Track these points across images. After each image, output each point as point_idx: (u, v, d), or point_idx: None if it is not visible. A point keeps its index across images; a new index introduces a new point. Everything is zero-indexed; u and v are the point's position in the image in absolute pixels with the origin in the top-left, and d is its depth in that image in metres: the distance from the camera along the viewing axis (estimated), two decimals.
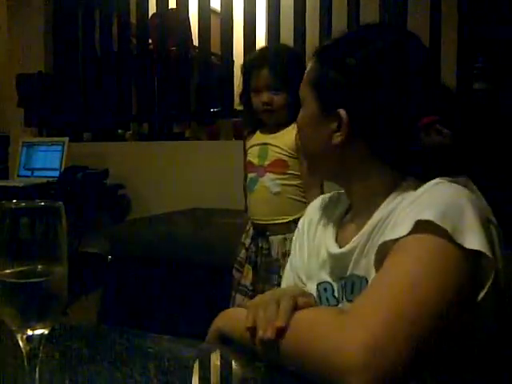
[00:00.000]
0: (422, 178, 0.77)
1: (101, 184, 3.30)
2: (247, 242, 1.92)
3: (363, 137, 0.82)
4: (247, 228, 1.94)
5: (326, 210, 0.96)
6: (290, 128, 1.82)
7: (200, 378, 0.75)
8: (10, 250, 0.51)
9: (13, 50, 3.91)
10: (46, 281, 0.51)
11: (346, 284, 0.83)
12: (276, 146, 1.85)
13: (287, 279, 0.98)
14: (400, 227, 0.70)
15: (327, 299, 0.87)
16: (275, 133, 1.87)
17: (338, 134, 0.83)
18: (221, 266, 2.17)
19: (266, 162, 1.86)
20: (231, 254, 2.00)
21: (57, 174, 3.24)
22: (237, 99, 3.27)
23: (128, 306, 2.58)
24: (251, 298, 1.65)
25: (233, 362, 0.81)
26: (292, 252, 0.99)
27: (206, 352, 0.84)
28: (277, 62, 1.81)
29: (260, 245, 1.86)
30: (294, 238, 1.01)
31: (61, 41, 3.88)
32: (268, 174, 1.85)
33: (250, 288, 1.84)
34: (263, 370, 0.71)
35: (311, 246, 0.94)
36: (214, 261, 2.34)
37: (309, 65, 0.89)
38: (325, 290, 0.87)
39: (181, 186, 3.26)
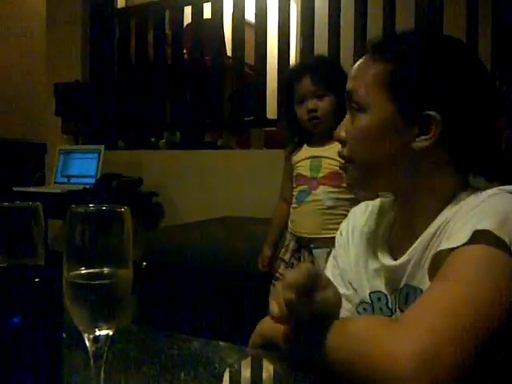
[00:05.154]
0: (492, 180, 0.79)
1: (135, 191, 3.35)
2: (287, 256, 1.85)
3: (449, 141, 0.80)
4: (286, 243, 1.89)
5: (372, 216, 0.94)
6: None
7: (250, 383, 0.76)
8: (78, 252, 0.53)
9: (51, 60, 4.00)
10: (112, 283, 0.53)
11: (400, 294, 0.83)
12: (331, 159, 1.78)
13: (333, 276, 0.93)
14: (457, 236, 0.70)
15: (381, 309, 0.86)
16: (325, 145, 1.82)
17: (425, 137, 0.78)
18: (251, 274, 2.17)
19: (320, 175, 1.80)
20: None
21: (92, 181, 3.30)
22: (269, 108, 3.34)
23: (161, 311, 2.60)
24: None
25: (280, 368, 0.81)
26: (336, 251, 0.98)
27: (254, 357, 0.85)
28: (317, 69, 1.81)
29: (302, 259, 1.80)
30: (336, 240, 0.99)
31: (97, 51, 3.96)
32: (322, 186, 1.80)
33: None
34: (312, 377, 0.71)
35: (358, 252, 0.93)
36: (244, 268, 2.34)
37: (368, 65, 0.82)
38: (378, 299, 0.87)
39: (213, 194, 3.28)
